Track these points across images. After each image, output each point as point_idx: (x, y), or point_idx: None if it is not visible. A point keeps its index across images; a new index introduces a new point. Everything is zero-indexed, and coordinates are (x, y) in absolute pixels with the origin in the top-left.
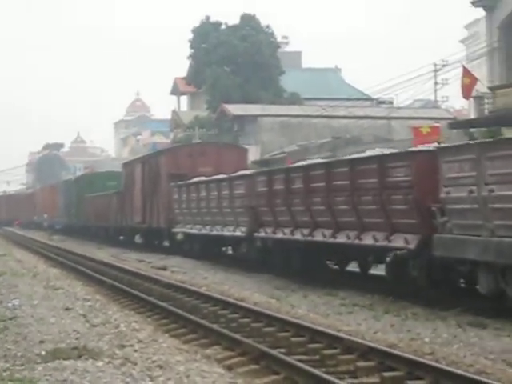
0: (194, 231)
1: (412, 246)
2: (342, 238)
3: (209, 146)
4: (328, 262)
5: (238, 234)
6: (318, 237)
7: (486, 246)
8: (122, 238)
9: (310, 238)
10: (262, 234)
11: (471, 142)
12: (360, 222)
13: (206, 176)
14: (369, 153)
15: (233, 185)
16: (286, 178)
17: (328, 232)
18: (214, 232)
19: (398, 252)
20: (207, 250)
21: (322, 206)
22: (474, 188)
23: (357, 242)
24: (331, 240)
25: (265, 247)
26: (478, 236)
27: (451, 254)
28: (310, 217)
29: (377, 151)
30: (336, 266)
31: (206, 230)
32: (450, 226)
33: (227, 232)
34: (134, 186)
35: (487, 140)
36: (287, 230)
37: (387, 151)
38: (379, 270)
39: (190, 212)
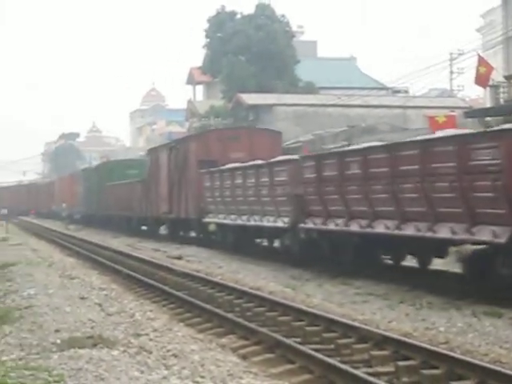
0: (227, 221)
1: (502, 240)
2: (409, 230)
3: (241, 131)
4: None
5: (279, 224)
6: (379, 228)
7: None
8: (144, 228)
9: (368, 230)
10: (310, 225)
11: None
12: (433, 211)
13: (238, 162)
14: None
15: (274, 171)
16: (340, 162)
17: (392, 223)
18: (252, 222)
19: (482, 247)
20: (241, 242)
21: (384, 193)
22: None
23: (429, 234)
24: (396, 232)
25: (310, 240)
26: None
27: None
28: (369, 206)
29: (452, 131)
30: (391, 261)
31: (241, 221)
32: None
33: (267, 223)
34: (160, 173)
35: None
36: (340, 221)
37: (465, 131)
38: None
39: (223, 201)
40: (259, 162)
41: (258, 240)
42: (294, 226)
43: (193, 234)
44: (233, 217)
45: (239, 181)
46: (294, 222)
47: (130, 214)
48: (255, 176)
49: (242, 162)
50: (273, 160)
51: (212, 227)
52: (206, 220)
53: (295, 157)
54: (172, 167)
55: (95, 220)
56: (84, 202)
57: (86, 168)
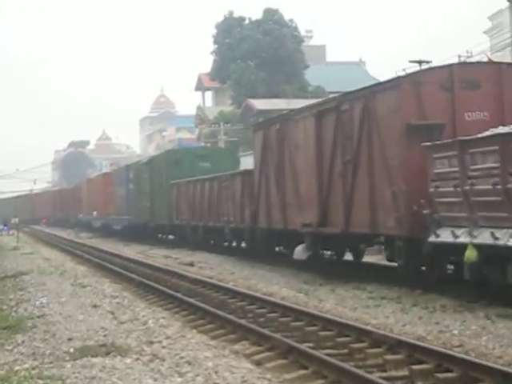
0: None
1: None
2: None
3: (483, 70)
4: None
5: None
6: None
7: None
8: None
9: None
10: None
11: None
12: None
13: (478, 127)
14: None
15: None
16: None
17: None
18: None
19: None
20: None
21: None
22: None
23: None
24: None
25: None
26: None
27: None
28: None
29: None
30: None
31: None
32: None
33: None
34: (294, 159)
35: None
36: None
37: None
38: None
39: (502, 204)
40: None
41: None
42: None
43: (372, 260)
44: None
45: None
46: None
47: (216, 225)
48: None
49: (485, 127)
50: None
51: (472, 255)
52: (443, 240)
53: None
54: (327, 145)
55: (147, 233)
56: (128, 208)
57: (131, 164)
